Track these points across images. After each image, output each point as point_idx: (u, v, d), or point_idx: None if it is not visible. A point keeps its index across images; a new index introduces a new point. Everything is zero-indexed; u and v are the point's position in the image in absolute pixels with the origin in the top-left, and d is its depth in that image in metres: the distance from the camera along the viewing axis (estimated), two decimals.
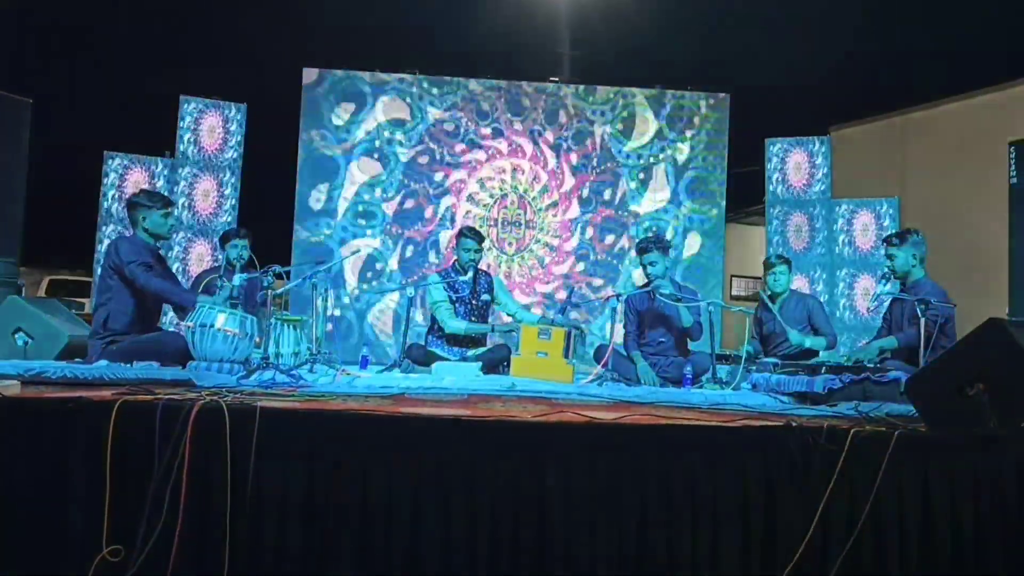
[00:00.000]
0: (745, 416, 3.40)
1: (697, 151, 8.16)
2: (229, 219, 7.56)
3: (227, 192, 7.60)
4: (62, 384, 3.56)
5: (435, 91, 8.11)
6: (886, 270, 5.22)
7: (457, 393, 4.03)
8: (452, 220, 8.02)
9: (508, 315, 6.17)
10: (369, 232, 7.98)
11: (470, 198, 8.09)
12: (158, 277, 4.82)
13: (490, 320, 6.07)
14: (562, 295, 7.81)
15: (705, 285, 7.92)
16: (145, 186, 7.19)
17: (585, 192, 8.15)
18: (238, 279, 4.82)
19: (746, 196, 12.33)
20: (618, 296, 5.42)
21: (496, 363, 5.59)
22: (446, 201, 8.07)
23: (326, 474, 2.97)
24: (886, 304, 5.45)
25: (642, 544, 2.98)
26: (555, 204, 8.13)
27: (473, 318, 5.89)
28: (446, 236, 7.94)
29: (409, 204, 8.03)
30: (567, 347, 5.21)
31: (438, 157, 8.08)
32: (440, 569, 2.94)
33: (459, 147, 8.10)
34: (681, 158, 8.16)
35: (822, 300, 7.01)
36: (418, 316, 7.29)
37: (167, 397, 3.06)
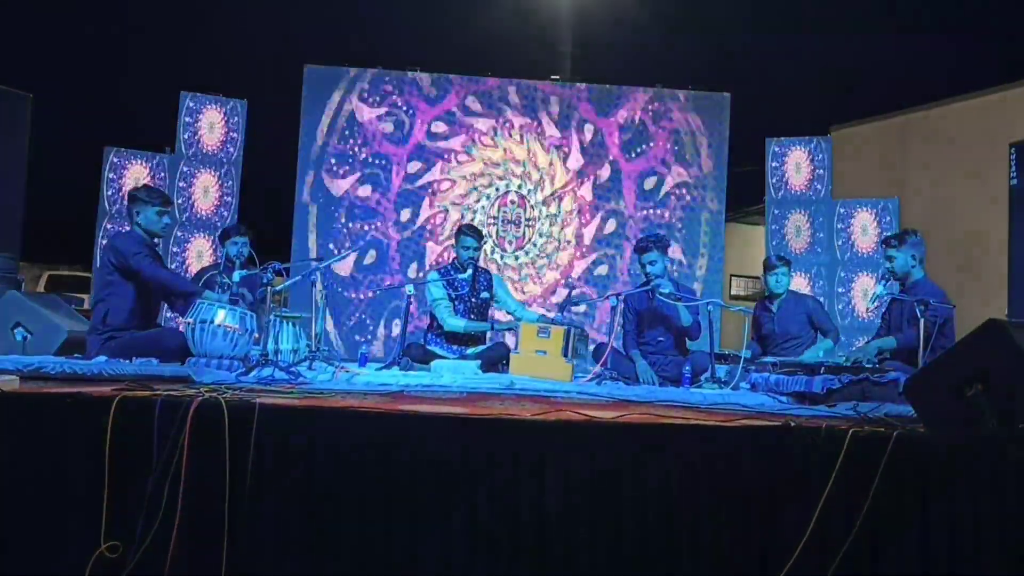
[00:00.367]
0: (744, 416, 3.40)
1: (697, 150, 8.15)
2: (229, 216, 7.56)
3: (227, 188, 7.60)
4: (61, 379, 3.56)
5: (436, 89, 8.10)
6: (885, 271, 5.23)
7: (456, 391, 4.03)
8: (450, 216, 8.01)
9: (508, 313, 6.17)
10: (368, 229, 7.97)
11: (469, 195, 8.08)
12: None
13: (490, 318, 6.08)
14: (561, 294, 7.81)
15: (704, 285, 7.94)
16: (146, 181, 7.18)
17: (585, 191, 8.14)
18: (238, 276, 4.82)
19: (746, 196, 12.33)
20: (617, 295, 5.42)
21: (495, 361, 5.59)
22: (445, 198, 8.06)
23: (324, 471, 2.97)
24: (885, 305, 5.45)
25: (641, 543, 2.99)
26: (555, 203, 8.12)
27: (472, 316, 5.89)
28: (445, 232, 7.92)
29: (408, 200, 8.02)
30: (566, 346, 5.21)
31: (438, 154, 8.07)
32: (439, 567, 2.94)
33: (459, 144, 8.09)
34: (681, 157, 8.15)
35: (821, 300, 7.02)
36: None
37: (166, 393, 3.06)
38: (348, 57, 8.12)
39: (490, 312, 6.15)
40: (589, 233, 8.12)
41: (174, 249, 7.32)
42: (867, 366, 4.27)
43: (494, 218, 8.11)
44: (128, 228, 5.02)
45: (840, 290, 7.64)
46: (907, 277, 5.15)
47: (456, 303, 5.86)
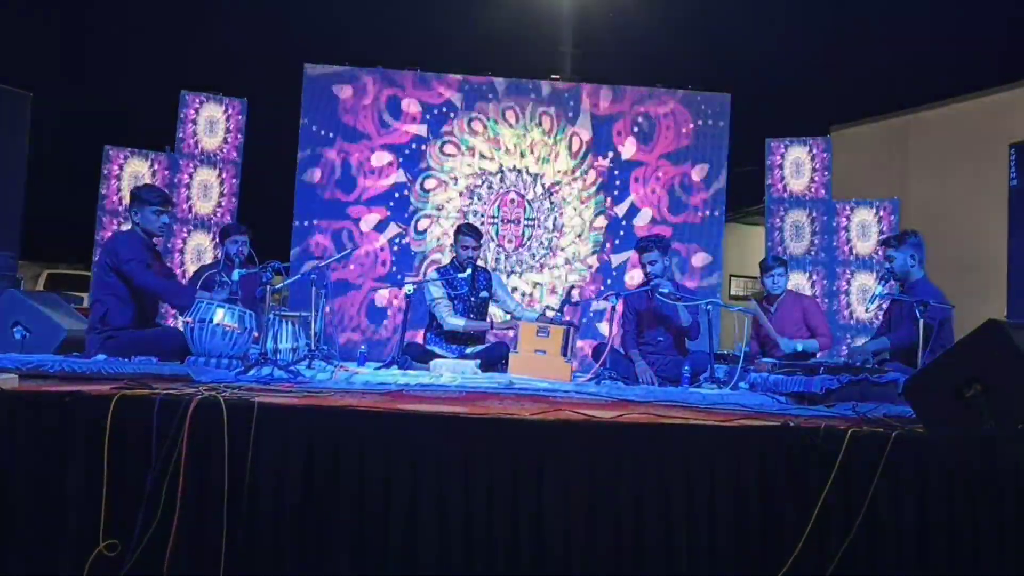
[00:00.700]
0: (743, 416, 3.40)
1: (696, 150, 8.15)
2: (228, 214, 7.56)
3: (227, 187, 7.60)
4: (60, 378, 3.56)
5: (436, 88, 8.10)
6: (885, 271, 5.23)
7: (455, 390, 4.03)
8: (450, 216, 8.00)
9: (507, 312, 6.17)
10: (368, 227, 7.97)
11: (468, 194, 8.08)
12: (156, 275, 4.82)
13: (488, 317, 6.08)
14: (560, 293, 7.81)
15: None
16: (145, 180, 7.18)
17: (584, 191, 8.14)
18: (237, 274, 4.83)
19: (746, 196, 12.33)
20: (617, 295, 5.42)
21: (494, 361, 5.59)
22: (444, 197, 8.06)
23: (323, 470, 2.98)
24: (885, 305, 5.46)
25: (639, 542, 2.99)
26: (554, 202, 8.12)
27: (472, 315, 5.90)
28: (444, 231, 7.92)
29: (408, 200, 8.02)
30: (565, 345, 5.21)
31: (438, 153, 8.07)
32: (437, 566, 2.94)
33: (459, 143, 8.09)
34: (681, 157, 8.15)
35: (820, 301, 7.02)
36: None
37: (165, 392, 3.06)
38: (348, 56, 8.11)
39: (489, 311, 6.15)
40: (588, 232, 8.12)
41: (175, 248, 7.31)
42: (866, 366, 4.28)
43: (493, 217, 8.11)
44: (128, 227, 5.03)
45: (840, 290, 7.64)
46: (907, 277, 5.16)
47: (455, 302, 5.87)
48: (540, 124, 8.16)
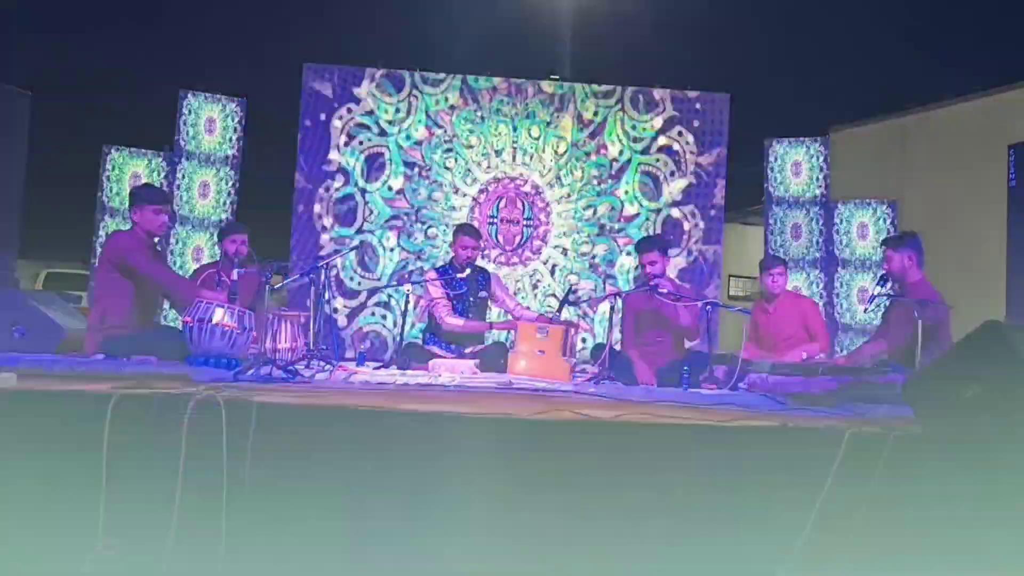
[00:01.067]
0: (741, 416, 3.40)
1: (696, 151, 8.15)
2: (228, 214, 7.55)
3: (226, 186, 7.60)
4: (59, 378, 3.56)
5: (435, 88, 8.10)
6: (883, 272, 5.24)
7: (454, 390, 4.04)
8: (451, 216, 8.00)
9: (506, 312, 6.17)
10: (367, 228, 7.96)
11: (468, 195, 8.07)
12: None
13: (488, 317, 6.08)
14: (560, 293, 7.81)
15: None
16: (145, 180, 7.18)
17: (583, 190, 8.14)
18: (236, 274, 4.83)
19: (745, 196, 12.33)
20: (616, 295, 5.42)
21: (493, 360, 5.58)
22: (443, 196, 8.06)
23: (322, 469, 2.98)
24: (883, 305, 5.46)
25: (638, 542, 2.99)
26: (554, 201, 8.12)
27: (471, 315, 5.90)
28: (445, 232, 7.92)
29: (407, 198, 8.02)
30: (565, 345, 5.21)
31: (436, 153, 8.07)
32: (436, 565, 2.94)
33: (458, 144, 8.09)
34: (680, 158, 8.15)
35: (818, 302, 7.03)
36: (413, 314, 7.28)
37: (164, 391, 3.06)
38: (348, 55, 8.12)
39: (488, 311, 6.15)
40: (588, 232, 8.12)
41: (173, 247, 7.31)
42: (864, 367, 4.28)
43: (492, 217, 8.11)
44: (128, 226, 5.03)
45: (838, 291, 7.65)
46: (905, 278, 5.16)
47: (454, 302, 5.87)
48: (539, 124, 8.15)
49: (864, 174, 9.88)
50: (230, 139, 7.64)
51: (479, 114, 8.11)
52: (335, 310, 7.81)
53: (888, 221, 7.54)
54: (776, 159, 7.95)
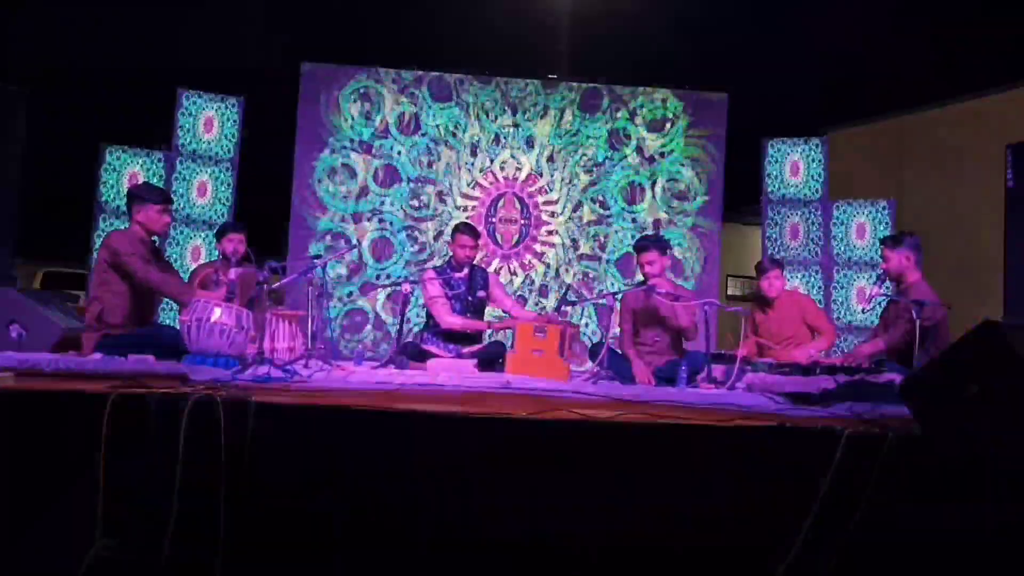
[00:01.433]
0: (739, 416, 3.40)
1: (694, 151, 8.16)
2: (225, 213, 7.55)
3: (224, 186, 7.59)
4: (56, 377, 3.55)
5: (433, 87, 8.10)
6: (881, 272, 5.24)
7: (452, 390, 4.03)
8: (448, 216, 8.00)
9: (504, 312, 6.17)
10: (366, 227, 7.96)
11: (466, 195, 8.08)
12: (156, 271, 4.81)
13: (486, 317, 6.08)
14: (557, 293, 7.81)
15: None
16: (141, 179, 7.17)
17: (581, 189, 8.14)
18: (234, 273, 4.82)
19: (743, 196, 12.34)
20: (614, 294, 5.41)
21: (491, 360, 5.59)
22: (441, 196, 8.06)
23: (320, 469, 2.98)
24: (883, 306, 5.47)
25: (636, 542, 2.99)
26: (551, 202, 8.13)
27: (469, 314, 5.89)
28: (442, 231, 7.91)
29: (405, 200, 8.02)
30: (562, 345, 5.21)
31: (434, 153, 8.07)
32: (434, 565, 2.94)
33: (456, 143, 8.09)
34: (677, 157, 8.15)
35: (816, 301, 7.03)
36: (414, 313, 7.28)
37: (162, 391, 3.06)
38: (346, 55, 8.11)
39: (486, 311, 6.15)
40: (585, 232, 8.12)
41: (171, 247, 7.30)
42: (863, 367, 4.28)
43: (490, 217, 8.11)
44: (127, 226, 5.02)
45: (836, 291, 7.65)
46: (902, 278, 5.17)
47: (452, 302, 5.86)
48: (537, 122, 8.16)
49: (861, 174, 9.89)
50: (228, 138, 7.63)
51: (475, 113, 8.11)
52: (333, 309, 7.82)
53: (886, 221, 7.55)
54: (774, 159, 7.95)
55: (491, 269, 7.60)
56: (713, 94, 8.26)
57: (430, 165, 8.06)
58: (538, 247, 8.11)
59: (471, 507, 2.98)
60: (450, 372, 5.01)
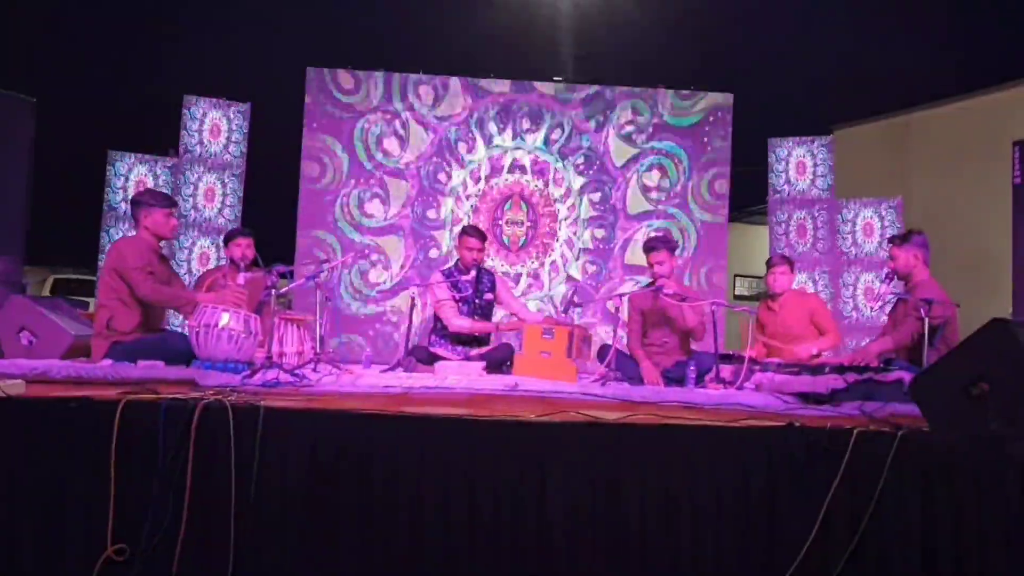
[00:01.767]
0: (748, 416, 3.41)
1: (699, 151, 8.15)
2: (233, 218, 7.57)
3: (231, 191, 7.61)
4: (67, 383, 3.57)
5: (437, 91, 8.11)
6: (889, 270, 5.23)
7: (460, 393, 4.04)
8: (455, 220, 8.01)
9: (511, 314, 6.18)
10: (372, 232, 7.97)
11: (472, 198, 8.09)
12: (161, 282, 4.83)
13: (494, 319, 6.08)
14: (564, 294, 7.81)
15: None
16: (150, 185, 7.21)
17: (587, 190, 8.15)
18: (242, 278, 4.84)
19: (749, 195, 12.32)
20: (621, 296, 5.41)
21: (499, 362, 5.59)
22: (447, 199, 8.07)
23: (329, 473, 2.99)
24: (891, 304, 5.46)
25: (644, 544, 2.99)
26: (558, 203, 8.13)
27: (476, 317, 5.90)
28: (450, 236, 7.93)
29: (411, 204, 8.03)
30: (570, 346, 5.21)
31: (441, 157, 8.08)
32: (442, 568, 2.95)
33: (462, 147, 8.10)
34: (683, 158, 8.15)
35: (823, 299, 7.01)
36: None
37: (171, 396, 3.08)
38: (350, 59, 8.12)
39: (493, 313, 6.15)
40: (591, 233, 8.12)
41: (179, 252, 7.32)
42: (871, 366, 4.28)
43: (497, 219, 8.12)
44: (134, 233, 5.03)
45: (843, 290, 7.64)
46: (910, 276, 5.15)
47: (460, 304, 5.87)
48: (541, 125, 8.16)
49: (868, 172, 9.87)
50: (234, 143, 7.66)
51: (482, 116, 8.12)
52: (340, 313, 7.83)
53: (892, 220, 7.53)
54: (779, 158, 7.94)
55: (498, 272, 7.61)
56: (718, 93, 8.25)
57: (435, 168, 8.06)
58: (544, 248, 8.11)
59: (480, 509, 2.98)
60: (458, 375, 5.01)
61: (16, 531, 2.95)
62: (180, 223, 7.14)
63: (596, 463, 3.03)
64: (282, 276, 4.82)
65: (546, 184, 8.14)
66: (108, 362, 4.40)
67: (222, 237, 6.38)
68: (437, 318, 5.93)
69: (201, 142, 7.53)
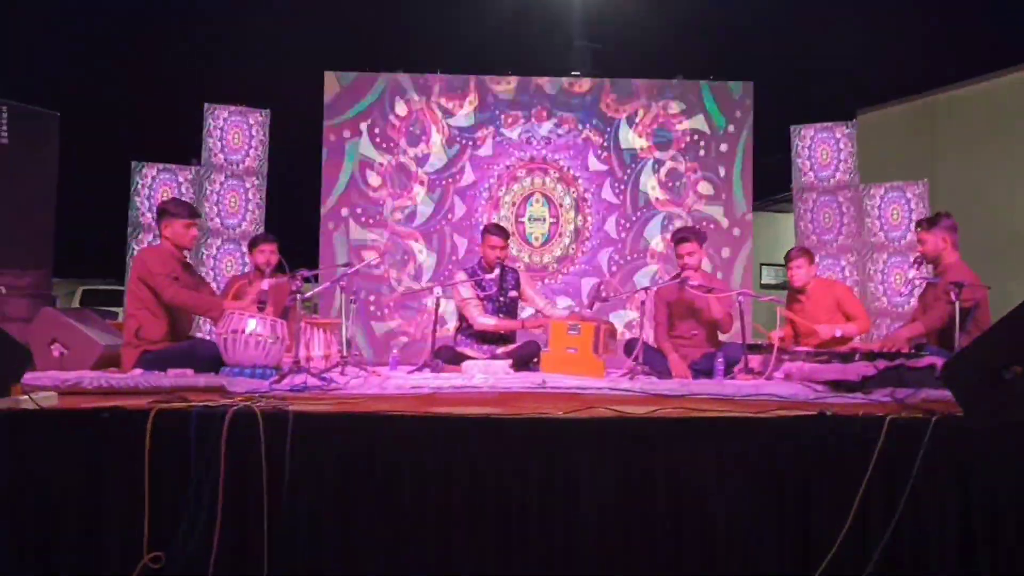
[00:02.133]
0: (778, 406, 3.38)
1: (723, 140, 8.10)
2: (256, 224, 7.61)
3: (253, 197, 7.65)
4: (98, 394, 3.61)
5: (456, 89, 8.11)
6: (918, 254, 5.18)
7: (487, 391, 4.04)
8: (476, 217, 8.01)
9: (536, 311, 6.17)
10: (394, 231, 7.99)
11: (493, 194, 8.08)
12: (185, 288, 4.86)
13: (519, 316, 6.07)
14: (589, 290, 7.79)
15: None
16: (173, 194, 7.26)
17: (609, 184, 8.12)
18: (267, 284, 4.87)
19: (773, 183, 12.24)
20: (647, 289, 5.39)
21: (526, 360, 5.59)
22: (470, 198, 8.07)
23: (359, 476, 2.99)
24: (921, 289, 5.40)
25: (676, 539, 2.97)
26: (580, 199, 8.11)
27: (501, 315, 5.89)
28: (472, 234, 7.93)
29: (433, 201, 8.04)
30: (597, 342, 5.20)
31: (460, 155, 8.08)
32: (472, 569, 2.95)
33: (482, 144, 8.10)
34: (706, 148, 8.10)
35: (850, 286, 6.95)
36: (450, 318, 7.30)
37: (201, 404, 3.09)
38: (368, 62, 8.15)
39: (519, 311, 6.15)
40: (614, 227, 8.10)
41: (204, 260, 7.38)
42: (902, 352, 4.23)
43: (520, 216, 8.11)
44: (158, 242, 5.08)
45: (872, 275, 7.56)
46: (939, 260, 5.10)
47: (484, 303, 5.86)
48: (560, 122, 8.14)
49: (893, 156, 9.77)
50: (256, 150, 7.70)
51: (499, 114, 8.11)
52: (367, 315, 7.86)
53: (919, 203, 7.43)
54: (803, 145, 7.87)
55: (522, 269, 7.61)
56: (739, 82, 8.19)
57: (456, 167, 8.06)
58: (569, 245, 8.09)
59: (510, 507, 2.98)
60: (485, 373, 5.02)
61: (53, 543, 2.98)
62: (202, 233, 7.18)
63: (626, 458, 3.01)
64: (306, 280, 4.84)
65: (567, 180, 8.12)
66: (138, 371, 4.44)
67: (246, 244, 6.42)
68: (462, 317, 5.93)
69: (222, 149, 7.58)
